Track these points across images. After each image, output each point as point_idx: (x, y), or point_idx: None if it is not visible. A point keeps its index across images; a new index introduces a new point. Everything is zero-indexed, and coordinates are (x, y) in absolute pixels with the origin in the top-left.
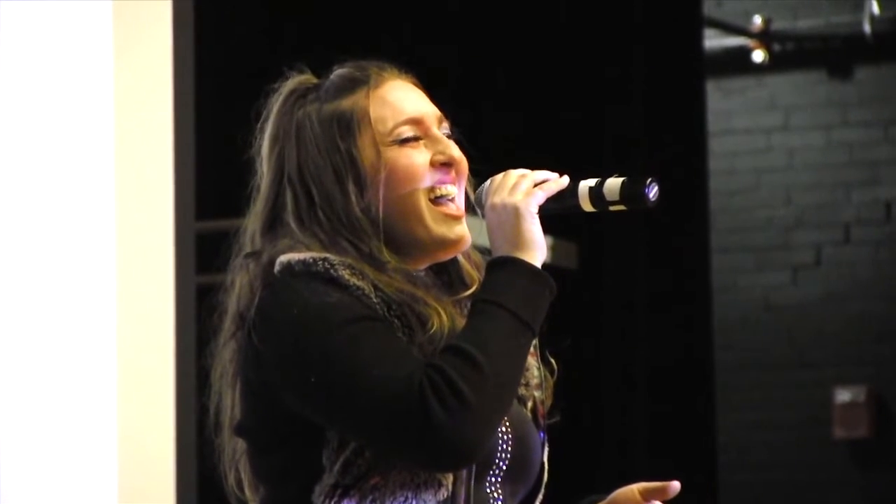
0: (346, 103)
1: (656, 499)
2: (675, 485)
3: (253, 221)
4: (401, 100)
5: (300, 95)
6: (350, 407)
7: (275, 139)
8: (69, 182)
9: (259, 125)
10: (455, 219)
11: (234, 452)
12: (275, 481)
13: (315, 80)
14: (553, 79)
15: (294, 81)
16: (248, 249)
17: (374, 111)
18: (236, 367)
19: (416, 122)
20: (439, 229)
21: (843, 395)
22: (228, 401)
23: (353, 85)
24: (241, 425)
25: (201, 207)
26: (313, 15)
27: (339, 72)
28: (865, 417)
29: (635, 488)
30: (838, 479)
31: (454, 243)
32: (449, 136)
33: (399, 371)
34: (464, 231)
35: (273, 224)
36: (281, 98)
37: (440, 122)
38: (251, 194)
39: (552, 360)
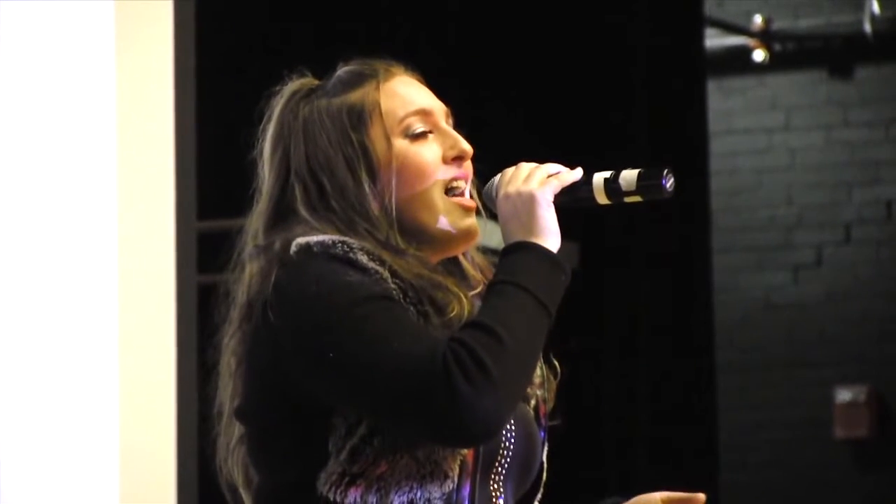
0: (356, 96)
1: None
2: (701, 497)
3: (256, 220)
4: (410, 93)
5: (304, 95)
6: (371, 382)
7: (278, 138)
8: (71, 182)
9: (261, 127)
10: (468, 210)
11: (231, 441)
12: (275, 467)
13: (316, 82)
14: (553, 79)
15: (296, 83)
16: (251, 246)
17: (385, 103)
18: (241, 355)
19: (425, 113)
20: (453, 221)
21: (843, 395)
22: (229, 391)
23: (361, 79)
24: (243, 409)
25: (203, 207)
26: (315, 15)
27: (345, 68)
28: (866, 417)
29: (658, 497)
30: (839, 479)
31: (467, 234)
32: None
33: (420, 345)
34: (475, 222)
35: (279, 220)
36: (284, 99)
37: (447, 117)
38: (254, 195)
39: (556, 363)
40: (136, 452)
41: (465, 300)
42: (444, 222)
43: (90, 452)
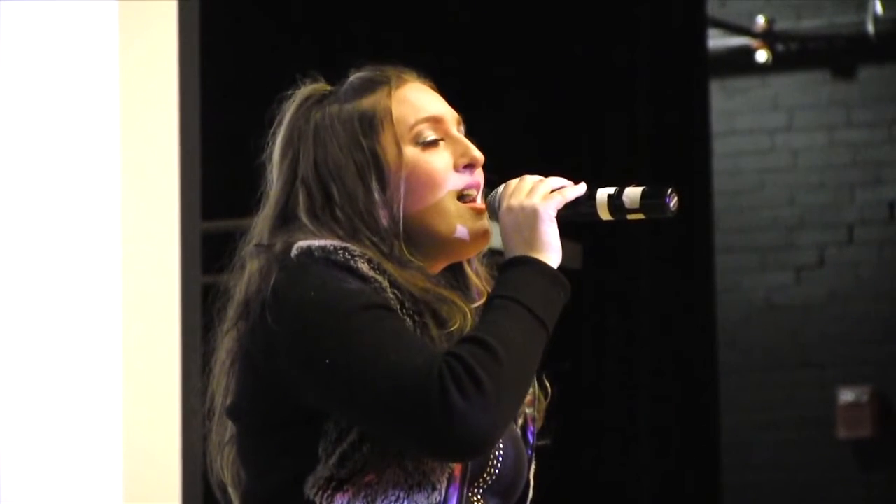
0: (368, 102)
1: None
2: None
3: (261, 224)
4: (421, 100)
5: (316, 101)
6: (365, 391)
7: (289, 143)
8: (75, 182)
9: (271, 131)
10: (480, 212)
11: (221, 439)
12: (264, 468)
13: (328, 87)
14: (556, 79)
15: (309, 88)
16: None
17: (396, 110)
18: (235, 353)
19: (436, 120)
20: (465, 224)
21: (846, 396)
22: (221, 389)
23: (373, 86)
24: (235, 408)
25: (207, 207)
26: (318, 15)
27: (357, 75)
28: (869, 417)
29: None
30: (842, 480)
31: (480, 236)
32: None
33: (417, 357)
34: (487, 224)
35: (283, 225)
36: (296, 103)
37: (459, 125)
38: (261, 198)
39: (548, 384)
40: (140, 453)
41: (469, 314)
42: (457, 227)
43: (94, 453)
